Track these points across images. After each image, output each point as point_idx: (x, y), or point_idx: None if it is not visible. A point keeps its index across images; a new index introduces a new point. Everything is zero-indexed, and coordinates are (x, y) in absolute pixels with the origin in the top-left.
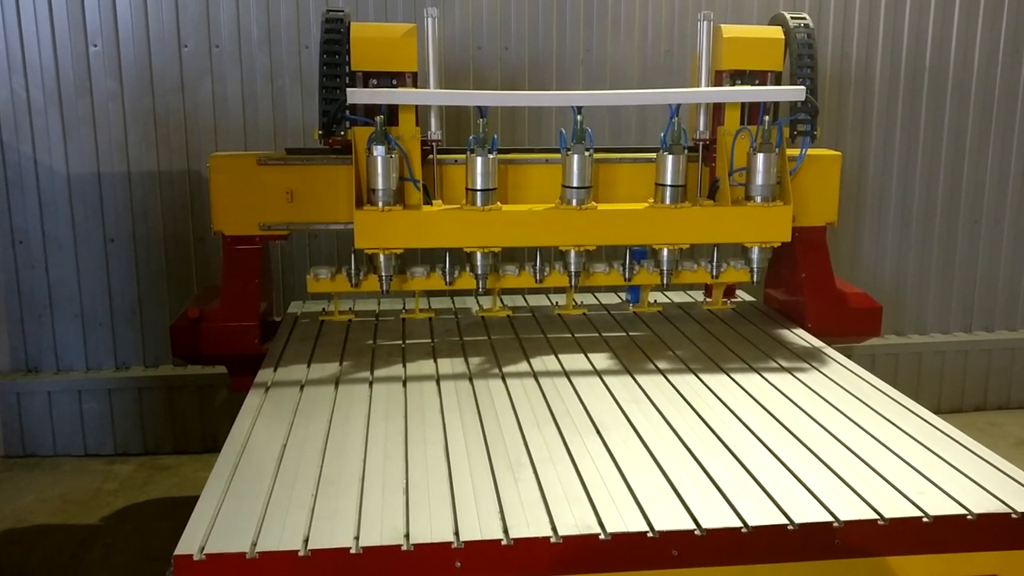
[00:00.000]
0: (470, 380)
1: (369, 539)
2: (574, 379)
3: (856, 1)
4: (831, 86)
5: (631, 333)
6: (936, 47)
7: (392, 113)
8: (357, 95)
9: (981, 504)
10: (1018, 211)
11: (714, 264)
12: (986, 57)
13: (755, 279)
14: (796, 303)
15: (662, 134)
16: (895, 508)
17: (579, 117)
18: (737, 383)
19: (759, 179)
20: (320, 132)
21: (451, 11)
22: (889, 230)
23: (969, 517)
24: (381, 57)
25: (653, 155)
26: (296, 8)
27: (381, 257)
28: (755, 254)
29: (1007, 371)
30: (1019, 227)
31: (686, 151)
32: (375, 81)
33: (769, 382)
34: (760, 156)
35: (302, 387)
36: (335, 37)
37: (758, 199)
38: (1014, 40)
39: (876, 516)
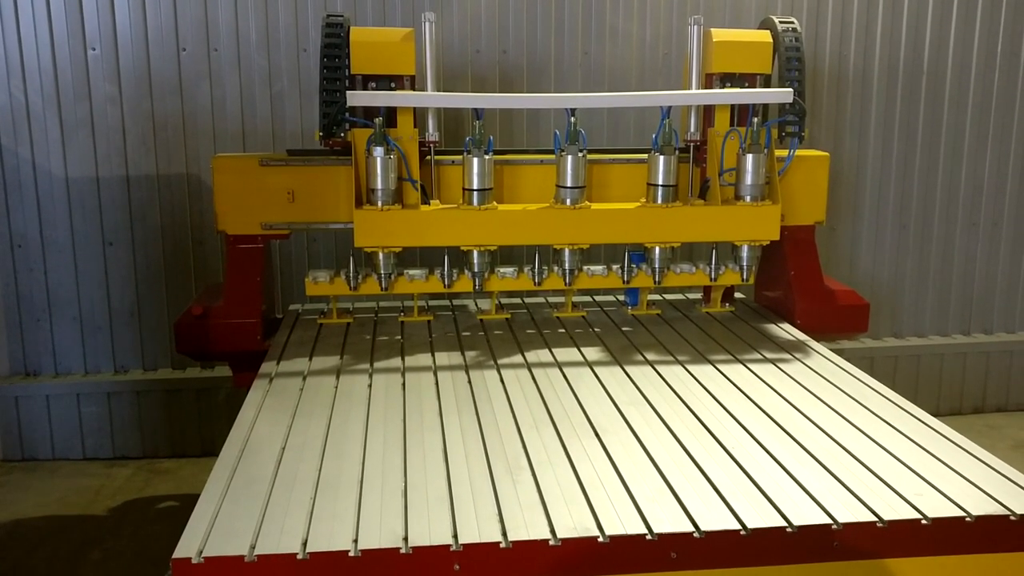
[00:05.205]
0: (466, 371)
1: (368, 542)
2: (571, 380)
3: (854, 3)
4: (829, 88)
5: (627, 333)
6: (934, 49)
7: (391, 115)
8: (357, 97)
9: (980, 506)
10: (1016, 213)
11: (712, 267)
12: (984, 59)
13: (745, 277)
14: (785, 301)
15: (654, 135)
16: (894, 510)
17: (573, 119)
18: (735, 384)
19: (748, 179)
20: (321, 134)
21: (449, 16)
22: (887, 232)
23: (968, 519)
24: (380, 60)
25: (645, 156)
26: (294, 12)
27: (380, 255)
28: (744, 252)
29: (1005, 373)
30: (1017, 229)
31: (677, 152)
32: (374, 84)
33: (766, 383)
34: (749, 157)
35: (304, 377)
36: (335, 41)
37: (747, 198)
38: (1011, 42)
39: (875, 518)
